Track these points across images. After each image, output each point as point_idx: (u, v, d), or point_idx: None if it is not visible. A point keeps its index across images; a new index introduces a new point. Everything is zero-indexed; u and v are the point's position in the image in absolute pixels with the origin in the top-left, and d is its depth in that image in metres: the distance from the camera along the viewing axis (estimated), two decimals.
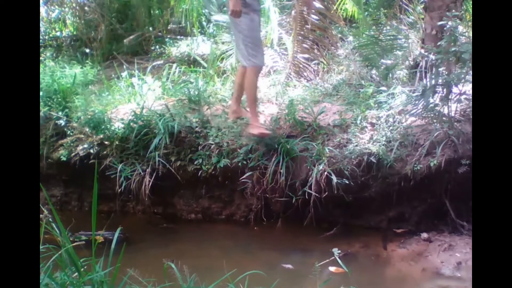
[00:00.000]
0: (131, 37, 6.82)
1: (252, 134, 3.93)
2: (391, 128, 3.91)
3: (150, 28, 7.16)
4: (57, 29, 7.58)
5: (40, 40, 6.78)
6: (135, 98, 4.86)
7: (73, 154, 4.40)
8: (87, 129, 4.45)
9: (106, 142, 4.34)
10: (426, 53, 4.51)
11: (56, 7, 7.61)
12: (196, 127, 4.23)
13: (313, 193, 3.71)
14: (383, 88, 4.48)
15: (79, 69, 5.36)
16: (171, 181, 4.17)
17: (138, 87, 5.03)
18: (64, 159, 4.39)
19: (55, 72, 5.04)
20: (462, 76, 3.59)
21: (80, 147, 4.41)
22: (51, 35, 7.42)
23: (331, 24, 5.87)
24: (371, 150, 3.73)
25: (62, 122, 4.56)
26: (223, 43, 5.98)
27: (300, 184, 3.82)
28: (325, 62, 5.53)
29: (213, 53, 5.71)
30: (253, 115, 3.97)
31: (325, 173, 3.71)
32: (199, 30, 6.85)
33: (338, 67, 5.47)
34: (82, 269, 1.92)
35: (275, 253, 3.63)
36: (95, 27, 7.03)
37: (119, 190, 4.14)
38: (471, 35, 2.16)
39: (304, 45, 5.58)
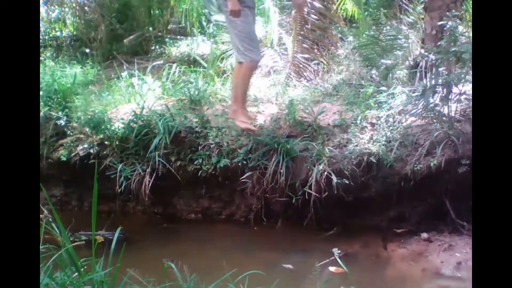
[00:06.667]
0: (131, 37, 6.82)
1: (240, 128, 3.98)
2: (391, 128, 3.91)
3: (150, 28, 7.15)
4: (57, 29, 7.58)
5: (40, 40, 6.78)
6: (135, 98, 4.86)
7: (73, 154, 4.40)
8: (87, 129, 4.45)
9: (106, 142, 4.34)
10: (426, 53, 4.51)
11: (56, 7, 7.60)
12: (196, 127, 4.23)
13: (313, 193, 3.71)
14: (383, 88, 4.48)
15: (79, 69, 5.36)
16: (171, 181, 4.17)
17: (138, 87, 5.03)
18: (64, 159, 4.39)
19: (55, 72, 5.03)
20: (462, 76, 3.60)
21: (80, 147, 4.41)
22: (51, 35, 7.42)
23: (331, 24, 5.87)
24: (371, 150, 3.73)
25: (62, 122, 4.56)
26: (223, 43, 5.98)
27: (300, 184, 3.82)
28: (325, 62, 5.53)
29: (213, 53, 5.71)
30: (239, 109, 3.97)
31: (325, 173, 3.71)
32: (199, 30, 6.85)
33: (338, 67, 5.47)
34: (82, 269, 1.92)
35: (275, 253, 3.63)
36: (95, 27, 7.02)
37: (119, 190, 4.14)
38: (471, 35, 2.16)
39: (304, 45, 5.57)
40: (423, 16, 5.29)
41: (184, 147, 4.18)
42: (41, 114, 4.47)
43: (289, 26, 5.87)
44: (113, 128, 4.32)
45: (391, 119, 3.99)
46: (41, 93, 4.53)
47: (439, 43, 3.90)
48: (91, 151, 4.34)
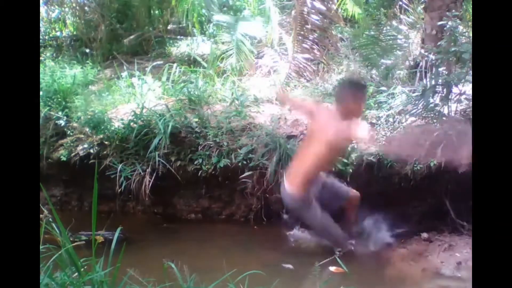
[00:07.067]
0: (131, 37, 6.82)
1: None
2: (391, 128, 3.91)
3: (150, 28, 7.15)
4: (57, 29, 7.59)
5: (40, 40, 6.78)
6: (135, 98, 4.86)
7: (73, 154, 4.40)
8: (87, 129, 4.45)
9: (106, 142, 4.34)
10: (426, 53, 4.51)
11: (56, 7, 7.61)
12: (196, 127, 4.23)
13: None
14: (383, 88, 4.48)
15: (79, 69, 5.36)
16: (171, 181, 4.17)
17: (138, 87, 5.03)
18: (64, 159, 4.39)
19: (55, 72, 5.03)
20: (462, 76, 3.60)
21: (80, 147, 4.41)
22: (51, 35, 7.43)
23: (331, 24, 5.87)
24: (371, 150, 3.73)
25: (62, 122, 4.56)
26: (223, 43, 5.98)
27: None
28: (325, 62, 5.53)
29: (213, 53, 5.71)
30: None
31: None
32: (199, 30, 6.85)
33: (338, 67, 5.47)
34: (82, 269, 1.92)
35: (275, 253, 3.63)
36: (95, 27, 7.03)
37: (119, 190, 4.14)
38: (471, 35, 2.16)
39: (304, 45, 5.58)
40: (423, 16, 5.29)
41: (184, 147, 4.18)
42: (41, 114, 4.47)
43: (289, 26, 5.87)
44: (113, 128, 4.32)
45: (391, 119, 3.99)
46: (41, 93, 4.53)
47: (439, 43, 3.91)
48: (91, 151, 4.34)
